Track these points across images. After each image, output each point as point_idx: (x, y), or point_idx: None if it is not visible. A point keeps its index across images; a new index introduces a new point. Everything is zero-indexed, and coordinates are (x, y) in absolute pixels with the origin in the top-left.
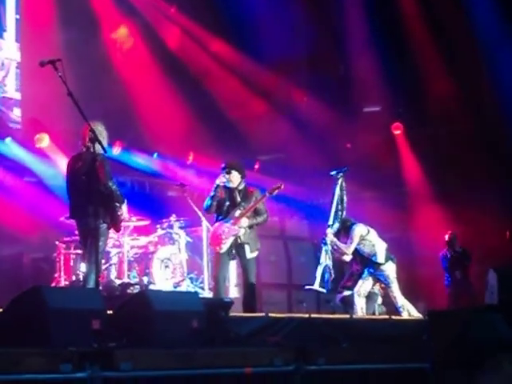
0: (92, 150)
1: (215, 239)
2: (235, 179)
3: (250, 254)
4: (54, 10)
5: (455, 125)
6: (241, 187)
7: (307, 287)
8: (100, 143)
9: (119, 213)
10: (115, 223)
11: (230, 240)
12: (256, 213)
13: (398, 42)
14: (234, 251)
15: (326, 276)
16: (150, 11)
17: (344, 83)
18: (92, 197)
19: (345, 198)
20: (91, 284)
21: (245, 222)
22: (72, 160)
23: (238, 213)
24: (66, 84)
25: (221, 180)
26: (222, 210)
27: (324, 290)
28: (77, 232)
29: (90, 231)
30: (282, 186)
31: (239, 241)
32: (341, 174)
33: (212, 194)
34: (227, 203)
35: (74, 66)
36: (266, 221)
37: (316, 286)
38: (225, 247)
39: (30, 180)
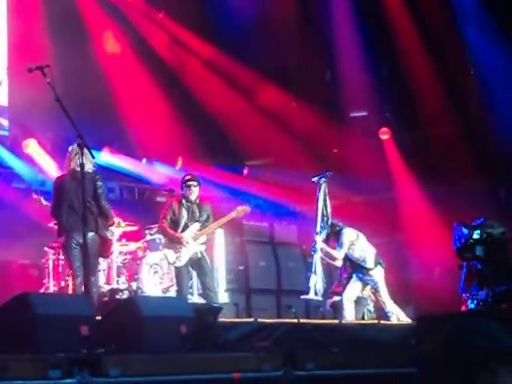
0: (82, 161)
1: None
2: (197, 192)
3: (210, 265)
4: (42, 16)
5: (443, 128)
6: (197, 200)
7: (302, 297)
8: (88, 149)
9: (109, 237)
10: (104, 246)
11: (190, 254)
12: None
13: (385, 46)
14: (190, 265)
15: (320, 283)
16: (138, 17)
17: (331, 88)
18: (85, 214)
19: (328, 203)
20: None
21: (203, 238)
22: (62, 179)
23: (197, 228)
24: (54, 90)
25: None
26: (179, 225)
27: (320, 298)
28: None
29: (81, 247)
30: (249, 209)
31: (199, 255)
32: (323, 179)
33: (169, 216)
34: (185, 217)
35: (62, 72)
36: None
37: (311, 295)
38: (183, 261)
39: (19, 186)
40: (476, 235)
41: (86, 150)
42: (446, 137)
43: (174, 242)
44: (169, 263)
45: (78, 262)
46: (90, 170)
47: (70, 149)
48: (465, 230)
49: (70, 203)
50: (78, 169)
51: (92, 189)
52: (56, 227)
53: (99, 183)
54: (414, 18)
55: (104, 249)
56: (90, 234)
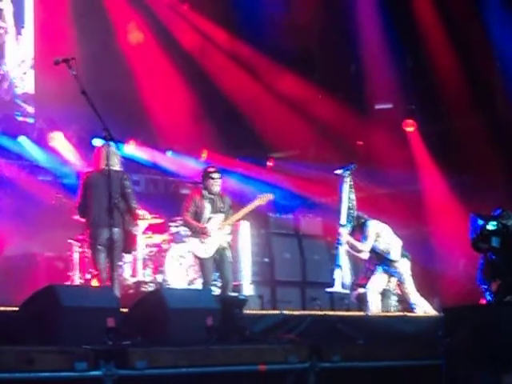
0: (109, 158)
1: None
2: (220, 184)
3: (231, 258)
4: (67, 7)
5: (468, 121)
6: (219, 192)
7: (328, 290)
8: (112, 139)
9: (135, 231)
10: (129, 241)
11: (217, 245)
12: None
13: (410, 38)
14: (215, 256)
15: (347, 277)
16: (162, 9)
17: (356, 80)
18: (113, 212)
19: (353, 195)
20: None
21: (228, 229)
22: (89, 175)
23: (221, 219)
24: (79, 82)
25: (211, 185)
26: (202, 217)
27: (347, 291)
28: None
29: (107, 243)
30: (272, 197)
31: (225, 245)
32: (348, 171)
33: (191, 208)
34: (208, 209)
35: (86, 64)
36: None
37: (336, 288)
38: (211, 252)
39: (44, 179)
40: (491, 226)
41: (114, 149)
42: (470, 129)
43: (199, 233)
44: (195, 256)
45: (104, 257)
46: (118, 169)
47: (97, 145)
48: (480, 221)
49: (97, 199)
50: (107, 167)
51: (119, 187)
52: (81, 220)
53: (127, 183)
54: (439, 10)
55: (128, 244)
56: (116, 230)
